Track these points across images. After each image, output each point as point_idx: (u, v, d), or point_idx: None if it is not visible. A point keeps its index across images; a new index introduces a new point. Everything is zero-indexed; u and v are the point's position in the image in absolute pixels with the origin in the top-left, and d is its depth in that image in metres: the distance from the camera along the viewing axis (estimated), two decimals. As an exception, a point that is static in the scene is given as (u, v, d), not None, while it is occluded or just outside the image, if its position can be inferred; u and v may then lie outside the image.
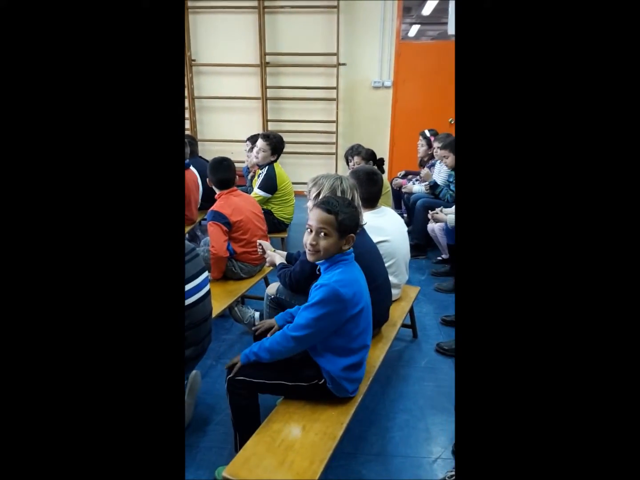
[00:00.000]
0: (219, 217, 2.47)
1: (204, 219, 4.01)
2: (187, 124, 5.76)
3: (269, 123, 5.71)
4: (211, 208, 2.55)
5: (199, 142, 4.80)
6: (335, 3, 5.12)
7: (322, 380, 1.52)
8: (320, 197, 1.85)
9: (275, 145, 3.43)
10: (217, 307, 2.24)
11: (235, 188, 2.64)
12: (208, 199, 3.75)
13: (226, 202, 2.53)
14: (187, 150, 3.44)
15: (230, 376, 1.56)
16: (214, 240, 2.45)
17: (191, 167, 3.43)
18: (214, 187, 2.63)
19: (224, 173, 2.58)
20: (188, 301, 1.68)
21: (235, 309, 2.61)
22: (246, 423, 1.57)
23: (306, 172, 5.53)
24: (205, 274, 1.87)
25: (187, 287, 1.68)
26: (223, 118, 5.80)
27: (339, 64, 5.34)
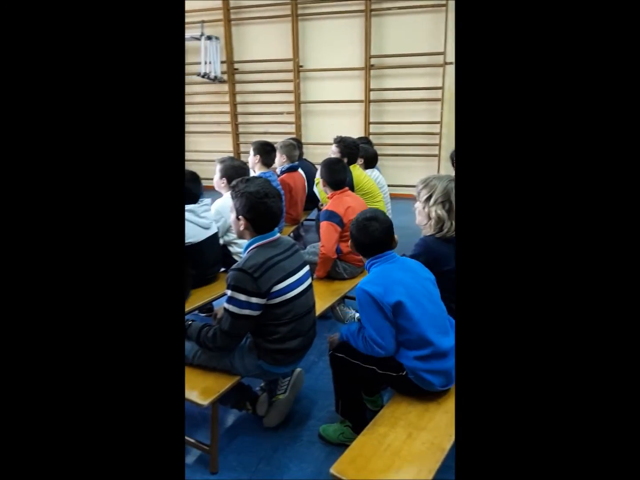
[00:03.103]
0: (334, 217, 2.50)
1: (307, 219, 4.16)
2: (293, 128, 6.00)
3: (370, 125, 5.72)
4: (325, 207, 2.60)
5: (303, 145, 4.97)
6: (444, 2, 4.97)
7: (405, 372, 1.57)
8: (432, 199, 1.80)
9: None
10: (321, 305, 2.29)
11: (346, 188, 2.67)
12: (312, 200, 3.88)
13: (340, 202, 2.56)
14: (296, 152, 3.57)
15: (331, 351, 1.73)
16: (325, 240, 2.49)
17: (299, 170, 3.56)
18: (326, 189, 2.65)
19: (341, 174, 2.62)
20: (291, 294, 1.74)
21: (337, 308, 2.65)
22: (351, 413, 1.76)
23: (407, 174, 5.45)
24: (306, 267, 1.92)
25: (290, 280, 1.74)
26: (326, 121, 5.93)
27: (446, 63, 5.17)
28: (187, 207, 2.34)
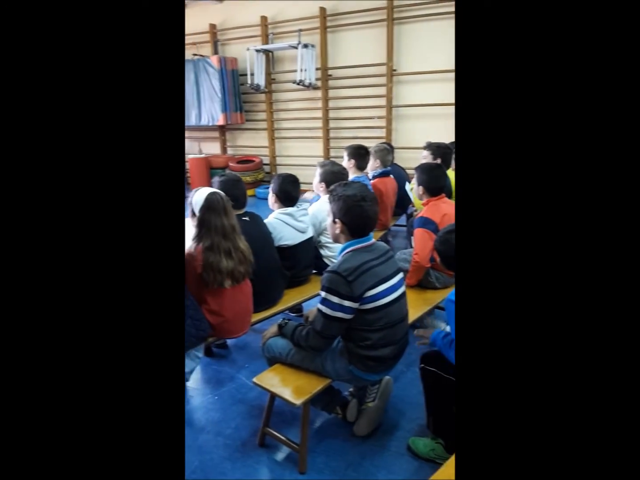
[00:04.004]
0: (429, 224, 2.42)
1: (395, 225, 4.10)
2: (383, 132, 5.96)
3: (465, 129, 5.49)
4: (420, 214, 2.54)
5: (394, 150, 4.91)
6: None
7: None
8: None
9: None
10: (412, 313, 2.23)
11: (443, 195, 2.59)
12: (401, 205, 3.81)
13: (436, 209, 2.49)
14: (390, 157, 3.54)
15: (422, 365, 1.70)
16: (419, 248, 2.42)
17: (391, 175, 3.52)
18: (422, 195, 2.59)
19: (441, 180, 2.55)
20: (384, 300, 1.70)
21: (428, 319, 2.57)
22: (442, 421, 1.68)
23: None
24: (400, 275, 1.87)
25: (383, 286, 1.71)
26: (417, 125, 5.81)
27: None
28: (286, 210, 2.41)
